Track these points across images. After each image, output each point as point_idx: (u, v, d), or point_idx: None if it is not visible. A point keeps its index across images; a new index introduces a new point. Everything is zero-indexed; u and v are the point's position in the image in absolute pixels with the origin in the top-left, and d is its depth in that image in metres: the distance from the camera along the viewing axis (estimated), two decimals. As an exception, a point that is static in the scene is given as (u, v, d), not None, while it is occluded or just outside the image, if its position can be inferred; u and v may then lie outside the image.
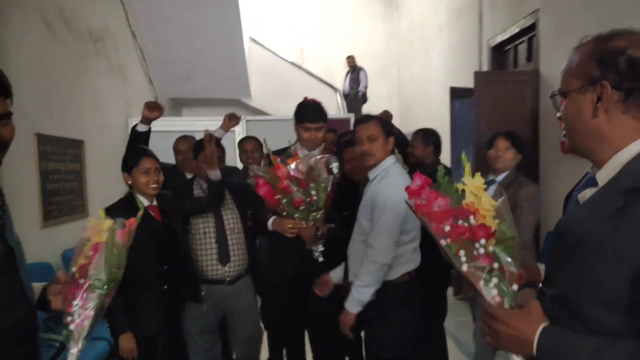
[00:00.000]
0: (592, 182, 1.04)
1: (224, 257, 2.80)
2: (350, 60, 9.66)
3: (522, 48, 5.09)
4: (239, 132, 6.35)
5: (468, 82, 4.79)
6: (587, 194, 1.04)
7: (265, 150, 2.80)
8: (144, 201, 2.51)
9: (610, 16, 3.60)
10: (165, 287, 2.46)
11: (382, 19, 11.29)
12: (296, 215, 2.56)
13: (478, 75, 4.66)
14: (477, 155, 4.29)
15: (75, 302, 1.36)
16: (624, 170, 0.96)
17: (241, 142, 3.82)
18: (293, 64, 10.21)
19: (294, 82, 9.31)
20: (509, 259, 1.06)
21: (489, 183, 2.46)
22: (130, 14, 6.26)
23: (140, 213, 1.72)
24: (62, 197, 4.28)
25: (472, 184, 1.09)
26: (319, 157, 2.56)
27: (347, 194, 2.72)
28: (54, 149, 4.17)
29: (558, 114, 1.09)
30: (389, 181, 2.28)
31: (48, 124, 4.09)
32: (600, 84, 0.96)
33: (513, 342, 1.00)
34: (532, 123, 4.52)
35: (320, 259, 2.56)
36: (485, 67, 5.77)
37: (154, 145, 2.99)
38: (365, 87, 9.34)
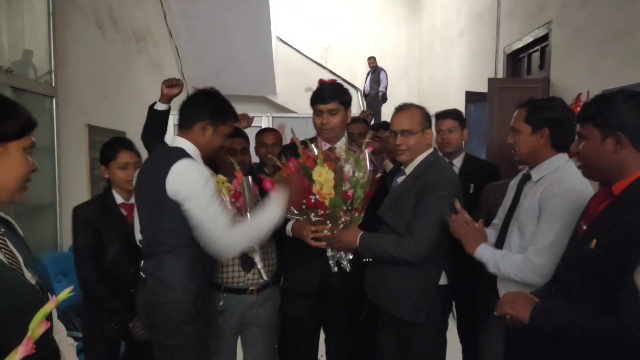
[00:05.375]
0: (402, 172, 2.28)
1: (247, 262, 2.35)
2: (372, 61, 9.98)
3: (536, 56, 5.39)
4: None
5: (484, 87, 5.05)
6: (401, 178, 2.26)
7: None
8: (117, 199, 2.39)
9: (619, 30, 3.83)
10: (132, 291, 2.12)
11: (405, 22, 11.60)
12: (316, 219, 2.20)
13: (492, 81, 4.97)
14: (489, 157, 4.60)
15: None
16: (416, 167, 2.19)
17: (260, 134, 3.28)
18: (317, 63, 10.55)
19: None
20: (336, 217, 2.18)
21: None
22: (168, 13, 6.69)
23: (239, 175, 2.25)
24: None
25: (324, 177, 2.09)
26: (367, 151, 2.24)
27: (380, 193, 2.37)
28: (101, 138, 4.58)
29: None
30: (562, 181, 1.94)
31: (97, 116, 4.52)
32: (427, 131, 2.23)
33: (344, 247, 2.19)
34: (541, 128, 4.80)
35: (348, 269, 2.23)
36: (500, 73, 6.06)
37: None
38: (385, 88, 9.65)
